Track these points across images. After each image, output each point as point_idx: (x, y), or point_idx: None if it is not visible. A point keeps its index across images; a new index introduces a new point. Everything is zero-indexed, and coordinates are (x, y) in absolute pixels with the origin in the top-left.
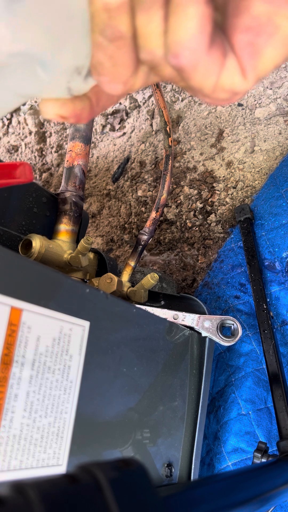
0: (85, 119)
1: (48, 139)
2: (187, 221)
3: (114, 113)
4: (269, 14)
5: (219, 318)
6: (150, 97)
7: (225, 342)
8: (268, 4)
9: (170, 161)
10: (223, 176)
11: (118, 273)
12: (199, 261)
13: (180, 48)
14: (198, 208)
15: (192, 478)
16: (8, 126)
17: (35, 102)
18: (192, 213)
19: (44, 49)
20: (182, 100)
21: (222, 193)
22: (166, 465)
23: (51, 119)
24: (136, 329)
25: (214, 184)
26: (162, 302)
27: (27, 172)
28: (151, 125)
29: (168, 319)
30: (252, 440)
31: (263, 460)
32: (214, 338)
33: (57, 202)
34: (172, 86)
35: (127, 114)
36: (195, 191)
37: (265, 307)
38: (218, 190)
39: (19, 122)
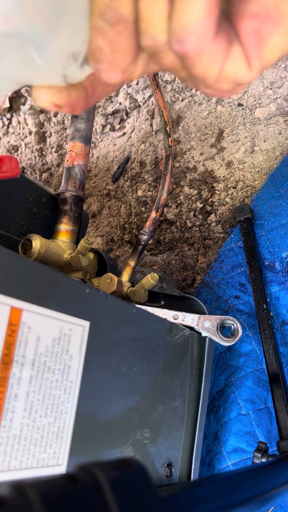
0: (79, 109)
1: (48, 139)
2: (187, 221)
3: (114, 113)
4: (276, 1)
5: (219, 318)
6: (150, 97)
7: (225, 342)
8: None
9: (170, 161)
10: (223, 176)
11: (118, 273)
12: (199, 261)
13: (186, 33)
14: (198, 208)
15: (192, 478)
16: (8, 126)
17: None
18: (192, 213)
19: (40, 31)
20: (182, 100)
21: (222, 193)
22: (166, 465)
23: (44, 107)
24: (136, 329)
25: (214, 184)
26: (162, 302)
27: (13, 166)
28: (151, 125)
29: (168, 319)
30: (252, 440)
31: (263, 460)
32: (214, 338)
33: (57, 202)
34: (172, 86)
35: (127, 114)
36: (195, 191)
37: (265, 307)
38: (218, 190)
39: (19, 122)
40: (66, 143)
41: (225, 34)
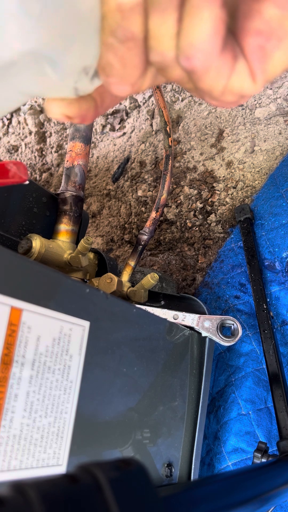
0: (89, 120)
1: (48, 139)
2: (187, 221)
3: (114, 113)
4: (280, 19)
5: (219, 318)
6: (150, 97)
7: (225, 342)
8: (280, 8)
9: (170, 161)
10: (223, 176)
11: (118, 273)
12: (199, 261)
13: (194, 50)
14: (198, 208)
15: (192, 478)
16: (8, 126)
17: (35, 102)
18: (192, 213)
19: (55, 48)
20: (182, 100)
21: (222, 193)
22: (166, 465)
23: (56, 119)
24: (136, 329)
25: (214, 184)
26: (162, 302)
27: (22, 172)
28: (151, 125)
29: (168, 319)
30: (252, 440)
31: (263, 460)
32: (214, 338)
33: (57, 202)
34: (172, 86)
35: (127, 114)
36: (195, 191)
37: (265, 307)
38: (218, 190)
39: (19, 122)
40: (66, 143)
41: (230, 49)
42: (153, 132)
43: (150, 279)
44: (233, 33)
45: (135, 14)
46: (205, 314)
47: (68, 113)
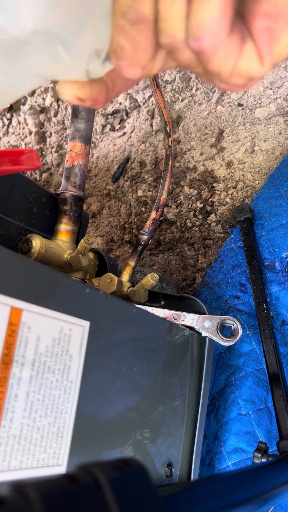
0: (100, 103)
1: (48, 139)
2: (187, 221)
3: (114, 113)
4: (287, 1)
5: (219, 318)
6: (150, 97)
7: (225, 342)
8: None
9: (170, 161)
10: (223, 176)
11: (118, 273)
12: (199, 261)
13: (202, 32)
14: (198, 208)
15: (192, 478)
16: (8, 126)
17: (35, 102)
18: (192, 213)
19: (68, 30)
20: (182, 100)
21: (222, 193)
22: (166, 465)
23: (68, 101)
24: (136, 329)
25: (214, 184)
26: (162, 302)
27: (34, 159)
28: (151, 125)
29: (168, 319)
30: (252, 440)
31: (263, 460)
32: (214, 338)
33: (57, 202)
34: (172, 86)
35: (127, 114)
36: (195, 191)
37: (265, 307)
38: (218, 190)
39: (19, 122)
40: (66, 143)
41: (239, 32)
42: (153, 132)
43: (150, 279)
44: (241, 15)
45: None
46: (205, 314)
47: (80, 95)
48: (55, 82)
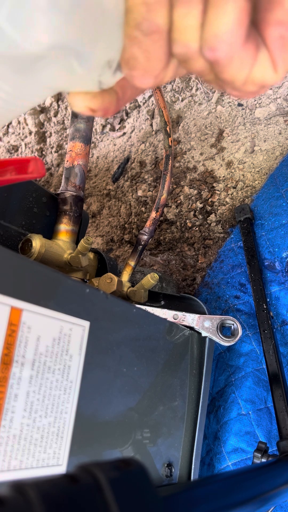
0: (111, 112)
1: (48, 139)
2: (187, 221)
3: None
4: None
5: (219, 318)
6: (150, 97)
7: (225, 342)
8: None
9: (170, 161)
10: (223, 176)
11: (118, 273)
12: (199, 261)
13: (218, 42)
14: (198, 208)
15: (192, 478)
16: (8, 126)
17: None
18: (192, 213)
19: (82, 43)
20: (182, 100)
21: (222, 193)
22: (166, 465)
23: (81, 112)
24: (136, 329)
25: (214, 184)
26: (162, 302)
27: (39, 167)
28: (151, 125)
29: (168, 319)
30: (252, 440)
31: (263, 460)
32: (214, 338)
33: (57, 202)
34: (172, 86)
35: (127, 114)
36: (195, 191)
37: (265, 307)
38: (218, 190)
39: (19, 122)
40: (66, 143)
41: (253, 40)
42: (153, 132)
43: (150, 279)
44: (255, 24)
45: (160, 7)
46: (205, 314)
47: (92, 106)
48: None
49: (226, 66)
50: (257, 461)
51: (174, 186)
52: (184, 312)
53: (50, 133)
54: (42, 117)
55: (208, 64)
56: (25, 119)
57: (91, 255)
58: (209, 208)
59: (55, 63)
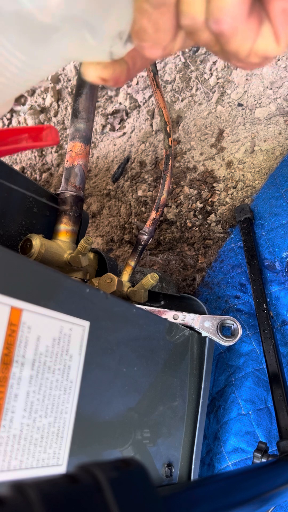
0: (122, 82)
1: None
2: (187, 221)
3: (114, 113)
4: None
5: (219, 318)
6: (150, 97)
7: (225, 342)
8: None
9: (170, 161)
10: (223, 176)
11: (118, 273)
12: (199, 261)
13: (223, 14)
14: (198, 208)
15: (192, 478)
16: (8, 126)
17: (35, 102)
18: (192, 213)
19: (94, 15)
20: (182, 100)
21: (222, 193)
22: (166, 465)
23: (93, 82)
24: (136, 329)
25: (214, 184)
26: (162, 302)
27: (53, 135)
28: (151, 125)
29: (168, 319)
30: (252, 440)
31: (263, 460)
32: (214, 338)
33: (57, 202)
34: (172, 86)
35: (127, 114)
36: (195, 191)
37: (265, 307)
38: (218, 190)
39: (19, 122)
40: (66, 143)
41: (256, 14)
42: (153, 132)
43: (150, 279)
44: None
45: None
46: (205, 314)
47: (104, 75)
48: (55, 83)
49: (230, 38)
50: (257, 461)
51: (174, 186)
52: (184, 312)
53: None
54: (42, 117)
55: (214, 36)
56: (25, 119)
57: (91, 255)
58: (209, 208)
59: (69, 35)
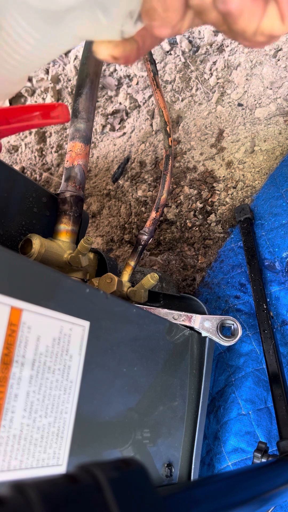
0: (132, 60)
1: (48, 139)
2: (187, 221)
3: (114, 113)
4: None
5: (219, 318)
6: (150, 97)
7: (225, 342)
8: None
9: (170, 161)
10: (223, 176)
11: (118, 273)
12: (199, 261)
13: None
14: (198, 208)
15: (192, 478)
16: None
17: (35, 102)
18: (192, 213)
19: None
20: (182, 100)
21: (222, 193)
22: (166, 465)
23: (104, 60)
24: (136, 329)
25: (214, 184)
26: (162, 302)
27: (64, 113)
28: (151, 125)
29: (168, 319)
30: (252, 440)
31: (263, 460)
32: (214, 338)
33: (57, 202)
34: (172, 86)
35: (127, 114)
36: (195, 191)
37: (265, 307)
38: (218, 190)
39: None
40: (66, 143)
41: None
42: (153, 132)
43: (150, 279)
44: None
45: None
46: (205, 314)
47: (115, 53)
48: (55, 83)
49: (237, 17)
50: (257, 461)
51: (174, 186)
52: (184, 312)
53: (50, 133)
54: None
55: (222, 15)
56: None
57: (91, 255)
58: (209, 208)
59: (82, 15)
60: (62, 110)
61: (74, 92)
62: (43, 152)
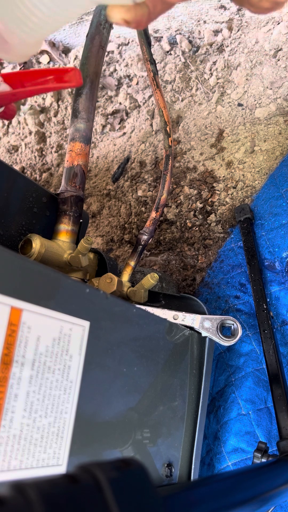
0: (143, 25)
1: (48, 139)
2: (187, 221)
3: (114, 113)
4: None
5: (219, 318)
6: (150, 97)
7: (225, 342)
8: None
9: (170, 161)
10: (223, 176)
11: (118, 273)
12: (199, 261)
13: None
14: (198, 208)
15: (192, 478)
16: (8, 126)
17: (35, 102)
18: (192, 213)
19: None
20: (182, 100)
21: (222, 193)
22: (166, 465)
23: (117, 23)
24: (136, 329)
25: (214, 184)
26: (162, 302)
27: (77, 77)
28: (151, 125)
29: (168, 319)
30: (252, 440)
31: (263, 460)
32: (214, 338)
33: (57, 202)
34: (172, 86)
35: (127, 114)
36: (195, 191)
37: (265, 307)
38: (218, 190)
39: (19, 122)
40: (66, 143)
41: None
42: (153, 132)
43: (150, 279)
44: None
45: None
46: (205, 314)
47: (127, 18)
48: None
49: None
50: (257, 461)
51: (174, 186)
52: (184, 312)
53: (50, 133)
54: (42, 117)
55: None
56: (25, 119)
57: (91, 255)
58: (209, 208)
59: None
60: (74, 74)
61: (74, 92)
62: (43, 152)
